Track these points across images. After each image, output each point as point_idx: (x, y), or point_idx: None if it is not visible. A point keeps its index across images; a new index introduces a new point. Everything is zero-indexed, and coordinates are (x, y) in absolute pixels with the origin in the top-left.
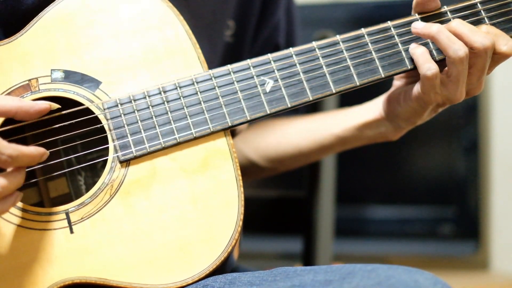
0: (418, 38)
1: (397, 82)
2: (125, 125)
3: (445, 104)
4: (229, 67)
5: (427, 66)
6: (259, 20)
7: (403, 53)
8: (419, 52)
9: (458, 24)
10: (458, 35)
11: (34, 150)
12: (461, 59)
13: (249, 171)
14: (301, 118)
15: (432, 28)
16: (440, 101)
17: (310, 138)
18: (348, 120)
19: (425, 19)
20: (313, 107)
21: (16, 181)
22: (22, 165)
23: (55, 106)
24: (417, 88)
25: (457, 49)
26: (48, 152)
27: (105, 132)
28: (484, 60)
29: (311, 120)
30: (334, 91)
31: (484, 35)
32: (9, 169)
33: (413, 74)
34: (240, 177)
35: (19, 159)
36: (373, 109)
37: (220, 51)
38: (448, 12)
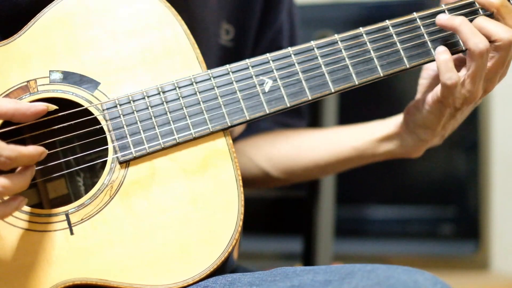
0: (417, 37)
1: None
2: (125, 126)
3: (463, 106)
4: (228, 67)
5: (448, 75)
6: (261, 23)
7: (402, 52)
8: (441, 59)
9: (483, 20)
10: (483, 29)
11: (32, 150)
12: (481, 53)
13: (260, 180)
14: (317, 130)
15: (455, 20)
16: (457, 104)
17: (326, 150)
18: (367, 133)
19: (423, 18)
20: (313, 108)
21: (19, 183)
22: (21, 165)
23: (52, 107)
24: (436, 92)
25: (477, 42)
26: (46, 150)
27: (104, 133)
28: (505, 53)
29: (328, 132)
30: (333, 90)
31: (508, 29)
32: (18, 169)
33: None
34: (240, 177)
35: (18, 160)
36: (393, 122)
37: (215, 54)
38: (446, 12)
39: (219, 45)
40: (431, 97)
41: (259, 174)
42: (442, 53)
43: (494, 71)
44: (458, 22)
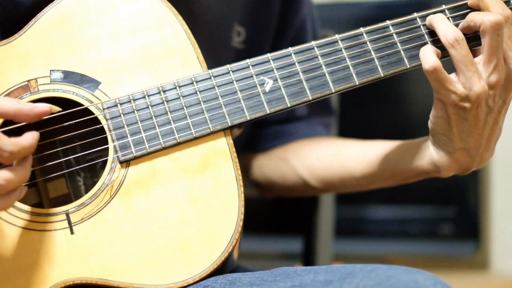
0: (417, 38)
1: None
2: (125, 126)
3: (463, 101)
4: (228, 66)
5: (424, 60)
6: (280, 22)
7: (402, 52)
8: (421, 50)
9: (469, 14)
10: (469, 21)
11: (30, 139)
12: (450, 43)
13: (299, 188)
14: (359, 141)
15: (432, 17)
16: (455, 98)
17: (363, 161)
18: (397, 146)
19: (423, 18)
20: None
21: (22, 174)
22: (22, 157)
23: (56, 109)
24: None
25: (446, 33)
26: (38, 133)
27: (105, 133)
28: (491, 38)
29: (369, 143)
30: (333, 91)
31: (489, 12)
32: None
33: None
34: (241, 177)
35: (20, 153)
36: (423, 138)
37: (226, 57)
38: (447, 11)
39: (231, 48)
40: (434, 97)
41: (299, 182)
42: (424, 47)
43: (487, 61)
44: (433, 18)
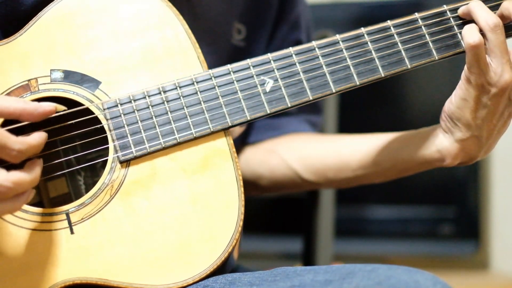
0: (418, 38)
1: None
2: (125, 125)
3: (490, 86)
4: (229, 66)
5: (470, 34)
6: (277, 17)
7: (403, 52)
8: (465, 27)
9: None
10: (504, 10)
11: (38, 138)
12: (491, 27)
13: (292, 183)
14: (351, 134)
15: (470, 4)
16: (483, 80)
17: (361, 151)
18: (406, 135)
19: (424, 18)
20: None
21: (32, 178)
22: (30, 156)
23: (61, 107)
24: (464, 69)
25: (487, 18)
26: (46, 134)
27: (105, 132)
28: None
29: (367, 135)
30: (334, 91)
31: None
32: (26, 165)
33: None
34: (241, 177)
35: (28, 152)
36: (430, 127)
37: (227, 55)
38: (448, 12)
39: (231, 45)
40: (461, 77)
41: (289, 174)
42: (468, 25)
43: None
44: (472, 4)
